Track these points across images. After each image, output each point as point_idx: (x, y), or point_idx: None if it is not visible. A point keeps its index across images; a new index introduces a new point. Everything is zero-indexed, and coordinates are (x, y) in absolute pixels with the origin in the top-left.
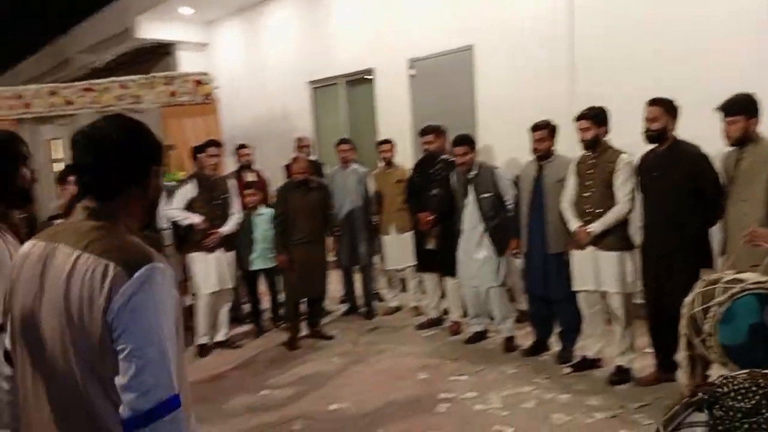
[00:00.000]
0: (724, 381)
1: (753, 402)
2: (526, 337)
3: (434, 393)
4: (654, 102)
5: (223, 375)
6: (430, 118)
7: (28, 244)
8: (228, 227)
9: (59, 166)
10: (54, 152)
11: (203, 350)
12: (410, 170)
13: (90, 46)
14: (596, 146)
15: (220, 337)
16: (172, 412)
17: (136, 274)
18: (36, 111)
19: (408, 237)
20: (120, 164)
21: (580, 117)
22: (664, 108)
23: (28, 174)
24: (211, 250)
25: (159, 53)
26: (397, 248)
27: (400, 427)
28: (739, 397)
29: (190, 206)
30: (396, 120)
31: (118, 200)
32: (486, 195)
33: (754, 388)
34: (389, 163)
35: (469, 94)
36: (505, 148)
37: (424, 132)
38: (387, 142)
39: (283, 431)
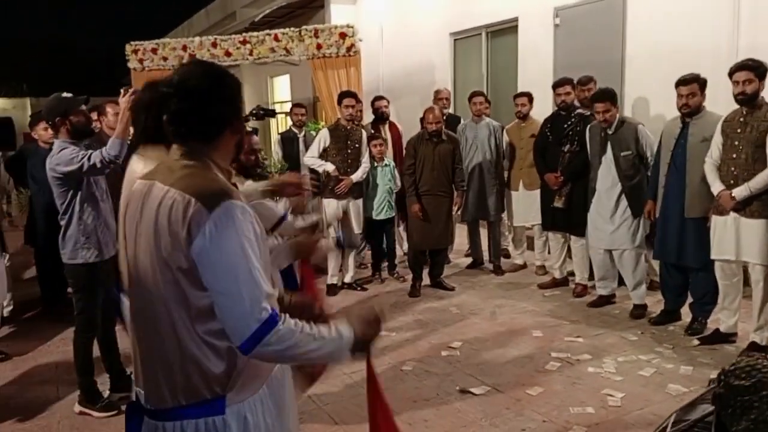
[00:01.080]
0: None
1: (752, 381)
2: (656, 306)
3: (547, 351)
4: None
5: None
6: (573, 71)
7: (136, 184)
8: (357, 175)
9: None
10: None
11: (331, 289)
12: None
13: (252, 1)
14: (752, 102)
15: (347, 278)
16: (272, 330)
17: (215, 212)
18: None
19: (536, 194)
20: (208, 108)
21: (741, 67)
22: None
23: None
24: (341, 196)
25: (314, 7)
26: (525, 205)
27: (507, 378)
28: (743, 376)
29: (325, 154)
30: (537, 73)
31: (210, 143)
32: (626, 153)
33: (755, 370)
34: (524, 117)
35: (617, 45)
36: (655, 104)
37: (559, 84)
38: (523, 95)
39: (394, 371)
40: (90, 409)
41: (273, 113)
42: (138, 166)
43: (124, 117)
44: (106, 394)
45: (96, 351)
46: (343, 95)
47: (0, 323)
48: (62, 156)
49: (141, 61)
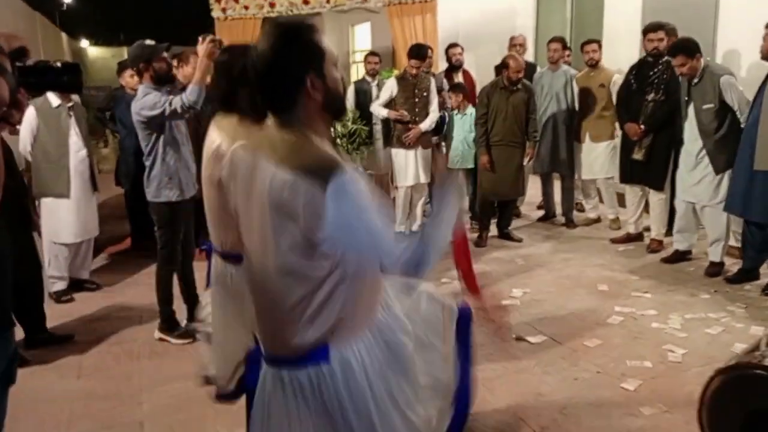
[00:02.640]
0: None
1: None
2: (736, 265)
3: (611, 305)
4: None
5: None
6: (663, 16)
7: (239, 148)
8: (425, 124)
9: None
10: None
11: None
12: (620, 74)
13: None
14: None
15: (415, 227)
16: (421, 262)
17: (328, 191)
18: (278, 10)
19: (603, 147)
20: (278, 75)
21: None
22: None
23: None
24: (409, 146)
25: None
26: (591, 158)
27: (565, 329)
28: None
29: (392, 103)
30: (624, 19)
31: (295, 109)
32: (707, 106)
33: None
34: (594, 65)
35: None
36: (749, 52)
37: (651, 29)
38: (593, 41)
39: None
40: (168, 336)
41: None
42: (214, 134)
43: (202, 64)
44: (183, 323)
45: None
46: (411, 54)
47: (92, 256)
48: (146, 101)
49: (224, 9)
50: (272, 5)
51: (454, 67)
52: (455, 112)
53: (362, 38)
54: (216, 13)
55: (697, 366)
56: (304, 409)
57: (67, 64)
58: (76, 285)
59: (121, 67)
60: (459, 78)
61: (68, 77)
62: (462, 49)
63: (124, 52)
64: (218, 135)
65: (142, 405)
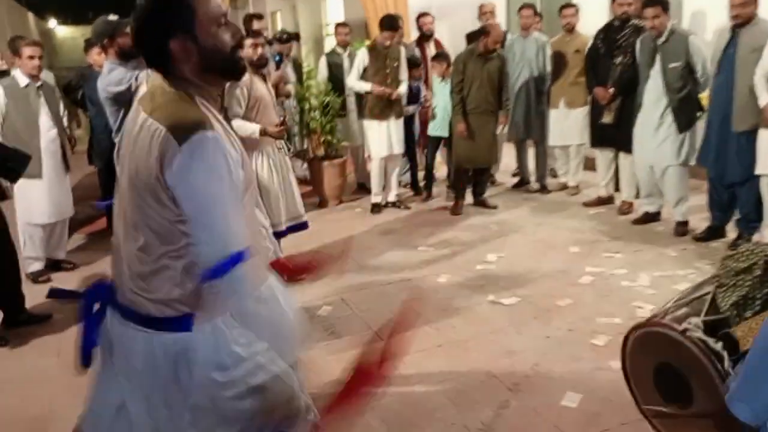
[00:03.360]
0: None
1: (749, 263)
2: (702, 222)
3: (582, 266)
4: None
5: (390, 231)
6: None
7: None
8: (401, 90)
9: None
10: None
11: (375, 208)
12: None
13: None
14: None
15: (391, 197)
16: (235, 268)
17: (185, 145)
18: None
19: (576, 113)
20: (143, 40)
21: None
22: None
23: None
24: (381, 117)
25: None
26: (564, 124)
27: (538, 290)
28: (741, 259)
29: (365, 74)
30: None
31: (170, 68)
32: (674, 64)
33: (753, 254)
34: (570, 30)
35: None
36: (714, 15)
37: None
38: (570, 5)
39: (428, 282)
40: None
41: (297, 37)
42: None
43: None
44: None
45: None
46: (382, 26)
47: (68, 235)
48: (112, 77)
49: None
50: None
51: (425, 36)
52: (440, 80)
53: (335, 10)
54: None
55: None
56: (142, 365)
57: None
58: (52, 265)
59: (88, 44)
60: (431, 47)
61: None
62: (433, 18)
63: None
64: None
65: None
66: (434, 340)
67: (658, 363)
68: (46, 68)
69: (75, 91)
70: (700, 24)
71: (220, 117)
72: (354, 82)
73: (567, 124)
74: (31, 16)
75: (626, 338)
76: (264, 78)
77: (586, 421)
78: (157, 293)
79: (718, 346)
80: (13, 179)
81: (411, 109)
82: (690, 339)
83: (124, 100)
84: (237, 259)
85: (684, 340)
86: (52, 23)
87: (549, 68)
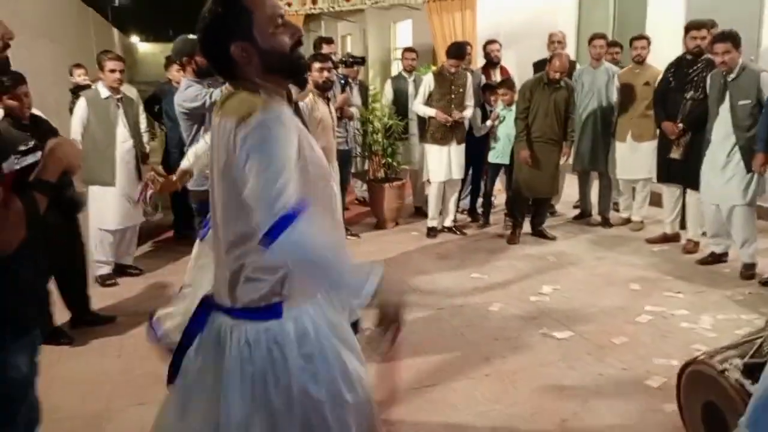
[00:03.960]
0: None
1: None
2: None
3: (642, 304)
4: None
5: (445, 256)
6: (707, 15)
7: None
8: (458, 115)
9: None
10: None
11: (431, 232)
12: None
13: None
14: None
15: (447, 222)
16: (293, 223)
17: (249, 124)
18: (320, 6)
19: (645, 147)
20: (207, 47)
21: None
22: None
23: None
24: (442, 141)
25: None
26: (631, 157)
27: (593, 326)
28: None
29: (430, 99)
30: (668, 15)
31: (235, 73)
32: (744, 102)
33: None
34: (640, 62)
35: None
36: None
37: (695, 26)
38: (642, 37)
39: (480, 310)
40: None
41: (362, 61)
42: None
43: None
44: None
45: None
46: (449, 54)
47: (137, 242)
48: (188, 93)
49: None
50: (314, 2)
51: (492, 63)
52: (501, 107)
53: (404, 35)
54: None
55: None
56: (235, 364)
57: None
58: (120, 270)
59: (169, 61)
60: (497, 74)
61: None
62: (500, 45)
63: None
64: None
65: None
66: (483, 369)
67: (706, 400)
68: (128, 83)
69: (153, 105)
70: None
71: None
72: (419, 107)
73: (634, 157)
74: (115, 32)
75: (680, 374)
76: (328, 100)
77: None
78: (252, 285)
79: (753, 388)
80: (66, 218)
81: (486, 125)
82: (727, 379)
83: (197, 115)
84: (289, 217)
85: (722, 380)
86: (135, 39)
87: (615, 99)
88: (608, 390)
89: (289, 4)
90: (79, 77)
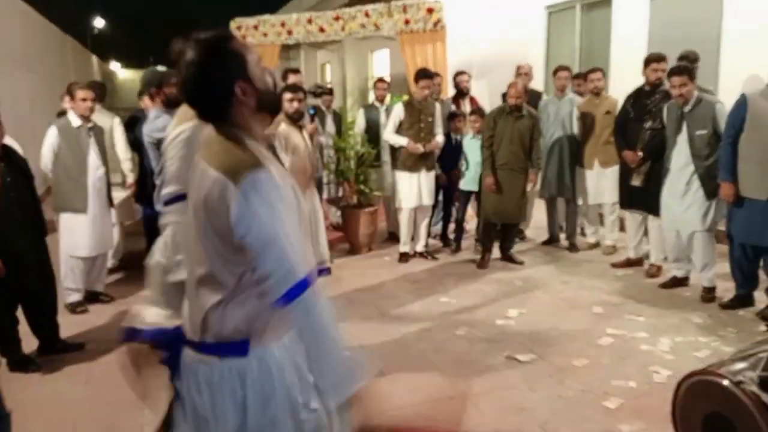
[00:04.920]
0: None
1: None
2: (731, 290)
3: (603, 327)
4: None
5: (416, 281)
6: (668, 47)
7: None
8: (429, 146)
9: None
10: (326, 74)
11: (403, 257)
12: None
13: None
14: None
15: (419, 247)
16: (303, 293)
17: (240, 185)
18: (295, 38)
19: (610, 172)
20: (207, 88)
21: None
22: None
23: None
24: (413, 169)
25: None
26: (599, 183)
27: (556, 348)
28: None
29: (400, 128)
30: (631, 48)
31: (228, 115)
32: (701, 132)
33: None
34: (597, 94)
35: (715, 19)
36: (753, 79)
37: (655, 59)
38: (597, 70)
39: (447, 333)
40: None
41: (330, 91)
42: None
43: None
44: None
45: None
46: (419, 76)
47: (107, 271)
48: (156, 124)
49: (244, 36)
50: (290, 33)
51: (461, 93)
52: (470, 135)
53: (381, 64)
54: None
55: None
56: (208, 398)
57: None
58: (91, 297)
59: (142, 90)
60: (466, 104)
61: None
62: (469, 76)
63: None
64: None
65: (143, 411)
66: (446, 392)
67: (709, 412)
68: (108, 109)
69: (128, 132)
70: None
71: (270, 154)
72: (389, 136)
73: (602, 182)
74: (95, 59)
75: (679, 385)
76: (300, 129)
77: None
78: (223, 323)
79: None
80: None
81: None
82: (744, 392)
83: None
84: (305, 284)
85: (738, 392)
86: (114, 66)
87: (576, 129)
88: (568, 411)
89: (265, 35)
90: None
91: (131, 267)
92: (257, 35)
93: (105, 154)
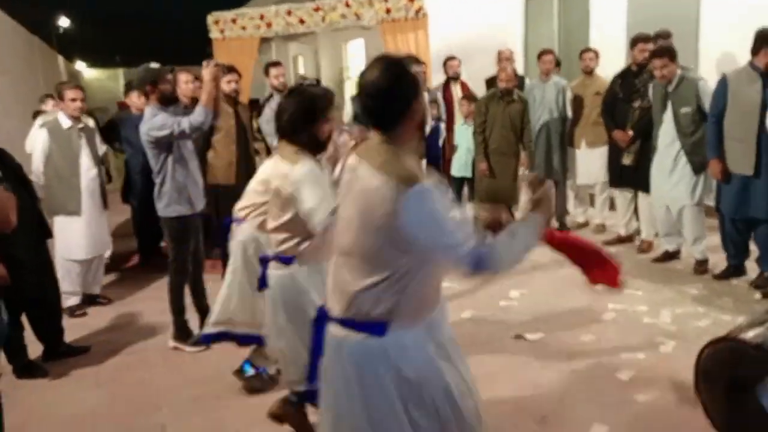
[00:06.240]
0: None
1: None
2: (721, 262)
3: (605, 303)
4: None
5: None
6: (647, 28)
7: (351, 158)
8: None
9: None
10: (299, 67)
11: None
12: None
13: None
14: None
15: None
16: (483, 257)
17: (411, 191)
18: (275, 30)
19: (599, 152)
20: (390, 102)
21: None
22: None
23: (327, 129)
24: None
25: None
26: (588, 163)
27: (562, 326)
28: None
29: None
30: (610, 30)
31: (398, 128)
32: (685, 110)
33: None
34: (589, 73)
35: (693, 1)
36: (731, 61)
37: (642, 39)
38: (590, 50)
39: (455, 316)
40: (182, 344)
41: (317, 84)
42: (270, 163)
43: (208, 87)
44: (195, 331)
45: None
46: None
47: (104, 272)
48: (155, 122)
49: (222, 31)
50: (269, 25)
51: (452, 78)
52: (463, 122)
53: (356, 55)
54: (214, 34)
55: (687, 356)
56: (351, 373)
57: None
58: (88, 300)
59: (129, 87)
60: (457, 89)
61: None
62: (459, 61)
63: (120, 74)
64: (275, 162)
65: (161, 409)
66: None
67: (732, 375)
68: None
69: (111, 131)
70: (716, 70)
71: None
72: None
73: (591, 162)
74: (61, 59)
75: (702, 351)
76: None
77: None
78: (370, 305)
79: None
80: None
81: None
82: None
83: (165, 143)
84: (481, 252)
85: (762, 355)
86: (81, 66)
87: (569, 110)
88: (582, 386)
89: (244, 28)
90: (51, 107)
91: (122, 267)
92: (236, 29)
93: (97, 155)
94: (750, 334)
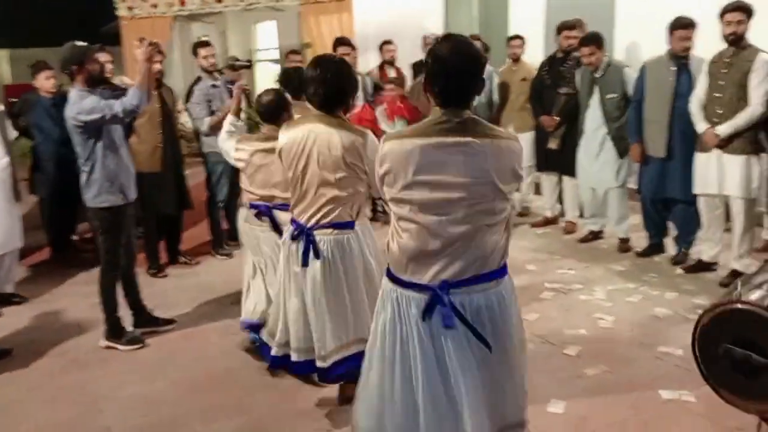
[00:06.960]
0: None
1: None
2: (642, 240)
3: (541, 282)
4: None
5: None
6: (564, 14)
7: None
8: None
9: None
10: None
11: None
12: (537, 69)
13: None
14: (740, 43)
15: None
16: None
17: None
18: (189, 8)
19: (525, 138)
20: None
21: (735, 8)
22: None
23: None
24: None
25: None
26: None
27: None
28: None
29: None
30: (528, 16)
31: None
32: (611, 96)
33: None
34: (516, 60)
35: None
36: (646, 47)
37: (567, 26)
38: (517, 37)
39: None
40: (116, 343)
41: (249, 65)
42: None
43: (143, 67)
44: (129, 329)
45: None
46: (339, 43)
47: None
48: (84, 105)
49: (130, 8)
50: (182, 2)
51: (387, 63)
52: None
53: (267, 36)
54: (122, 11)
55: (626, 330)
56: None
57: None
58: (2, 299)
59: (37, 68)
60: (393, 73)
61: None
62: (395, 46)
63: (4, 54)
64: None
65: (103, 412)
66: None
67: (734, 338)
68: None
69: (18, 117)
70: (632, 56)
71: None
72: None
73: None
74: None
75: (700, 318)
76: None
77: (575, 424)
78: (500, 253)
79: None
80: None
81: None
82: None
83: (95, 128)
84: None
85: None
86: None
87: (496, 96)
88: (534, 363)
89: (155, 6)
90: None
91: (33, 263)
92: (146, 7)
93: (8, 143)
94: (752, 297)
